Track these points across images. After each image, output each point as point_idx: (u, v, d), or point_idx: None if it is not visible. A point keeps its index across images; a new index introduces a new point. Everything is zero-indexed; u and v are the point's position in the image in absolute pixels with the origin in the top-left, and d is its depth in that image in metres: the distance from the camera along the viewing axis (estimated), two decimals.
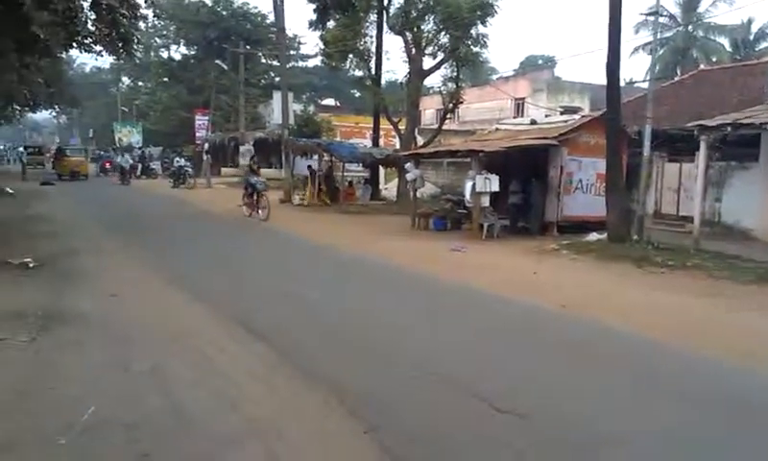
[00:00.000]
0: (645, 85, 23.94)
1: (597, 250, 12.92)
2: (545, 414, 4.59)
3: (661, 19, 29.03)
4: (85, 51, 14.34)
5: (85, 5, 12.84)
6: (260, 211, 18.02)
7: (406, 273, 10.73)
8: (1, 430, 4.03)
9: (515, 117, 31.09)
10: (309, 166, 25.39)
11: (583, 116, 18.04)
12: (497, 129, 20.25)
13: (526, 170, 16.25)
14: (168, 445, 4.01)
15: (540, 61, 57.60)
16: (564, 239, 14.35)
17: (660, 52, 37.50)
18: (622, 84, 15.92)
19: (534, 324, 7.51)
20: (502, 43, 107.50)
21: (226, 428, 4.27)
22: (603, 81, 14.32)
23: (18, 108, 40.07)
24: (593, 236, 14.13)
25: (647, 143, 15.37)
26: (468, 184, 15.52)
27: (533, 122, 19.11)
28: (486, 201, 15.23)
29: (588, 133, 16.11)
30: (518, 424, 4.38)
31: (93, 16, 13.13)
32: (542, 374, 5.57)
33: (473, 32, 21.72)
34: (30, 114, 53.72)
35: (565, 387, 5.23)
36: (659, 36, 25.70)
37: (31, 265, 9.82)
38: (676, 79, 27.07)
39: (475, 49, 22.13)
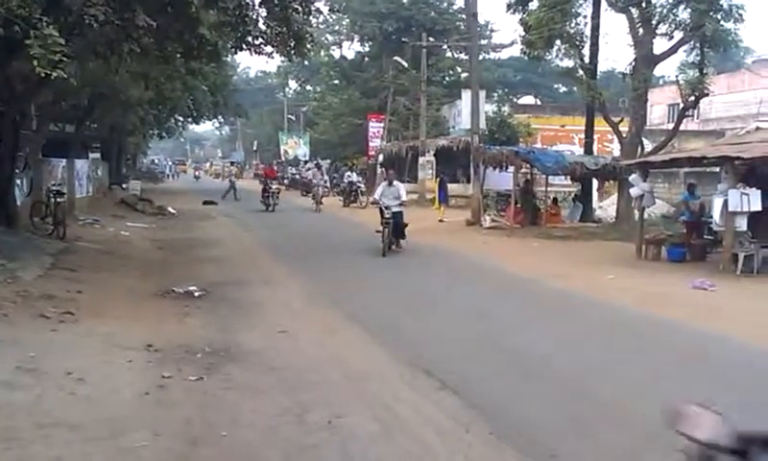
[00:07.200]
0: None
1: None
2: None
3: None
4: (255, 53, 15.43)
5: (256, 2, 13.97)
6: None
7: (633, 316, 10.19)
8: None
9: None
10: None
11: None
12: (758, 128, 18.69)
13: None
14: None
15: None
16: None
17: None
18: None
19: None
20: (761, 16, 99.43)
21: None
22: None
23: (181, 118, 44.78)
24: None
25: None
26: (718, 202, 14.48)
27: None
28: (742, 223, 14.11)
29: None
30: None
31: (264, 14, 14.25)
32: None
33: (724, 3, 20.32)
34: (192, 126, 59.71)
35: None
36: None
37: (196, 294, 10.83)
38: None
39: (726, 25, 20.63)
